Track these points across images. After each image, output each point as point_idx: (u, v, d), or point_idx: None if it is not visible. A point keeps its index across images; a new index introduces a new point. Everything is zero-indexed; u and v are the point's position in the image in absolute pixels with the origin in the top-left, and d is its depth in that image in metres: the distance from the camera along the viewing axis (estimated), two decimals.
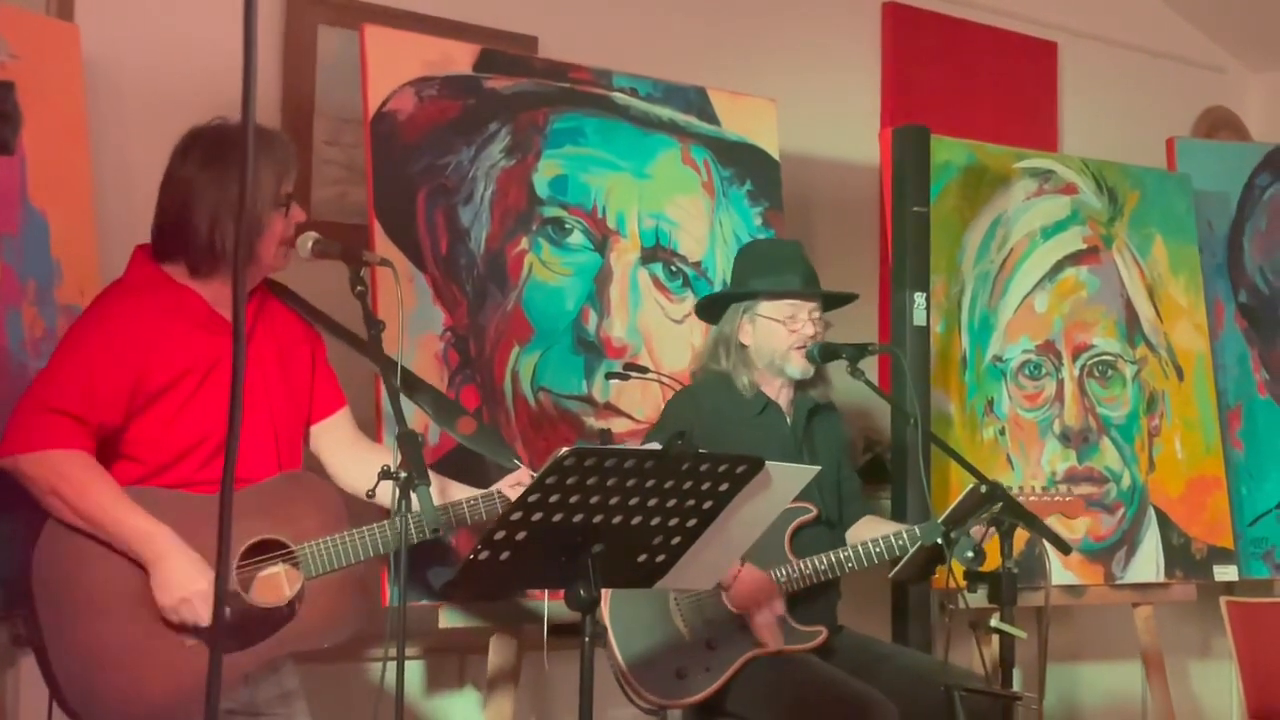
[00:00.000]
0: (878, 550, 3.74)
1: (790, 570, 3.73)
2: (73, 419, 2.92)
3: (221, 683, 2.93)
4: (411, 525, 3.01)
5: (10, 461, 2.92)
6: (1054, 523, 3.98)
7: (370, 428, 3.77)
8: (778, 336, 3.88)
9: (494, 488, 3.32)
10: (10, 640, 2.98)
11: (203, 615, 2.90)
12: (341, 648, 3.85)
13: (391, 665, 2.91)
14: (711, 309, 4.04)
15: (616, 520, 2.77)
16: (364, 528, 3.10)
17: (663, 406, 4.05)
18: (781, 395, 3.94)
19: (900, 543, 3.73)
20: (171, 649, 2.93)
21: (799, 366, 3.88)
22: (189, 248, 3.05)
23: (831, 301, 3.99)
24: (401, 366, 3.19)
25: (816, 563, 3.74)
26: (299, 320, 3.35)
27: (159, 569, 2.90)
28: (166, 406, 3.01)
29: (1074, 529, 4.89)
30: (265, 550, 3.05)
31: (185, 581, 2.89)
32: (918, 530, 3.72)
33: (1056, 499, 4.00)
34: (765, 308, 3.90)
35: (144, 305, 3.03)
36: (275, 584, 3.05)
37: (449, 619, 3.86)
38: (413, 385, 3.55)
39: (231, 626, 2.99)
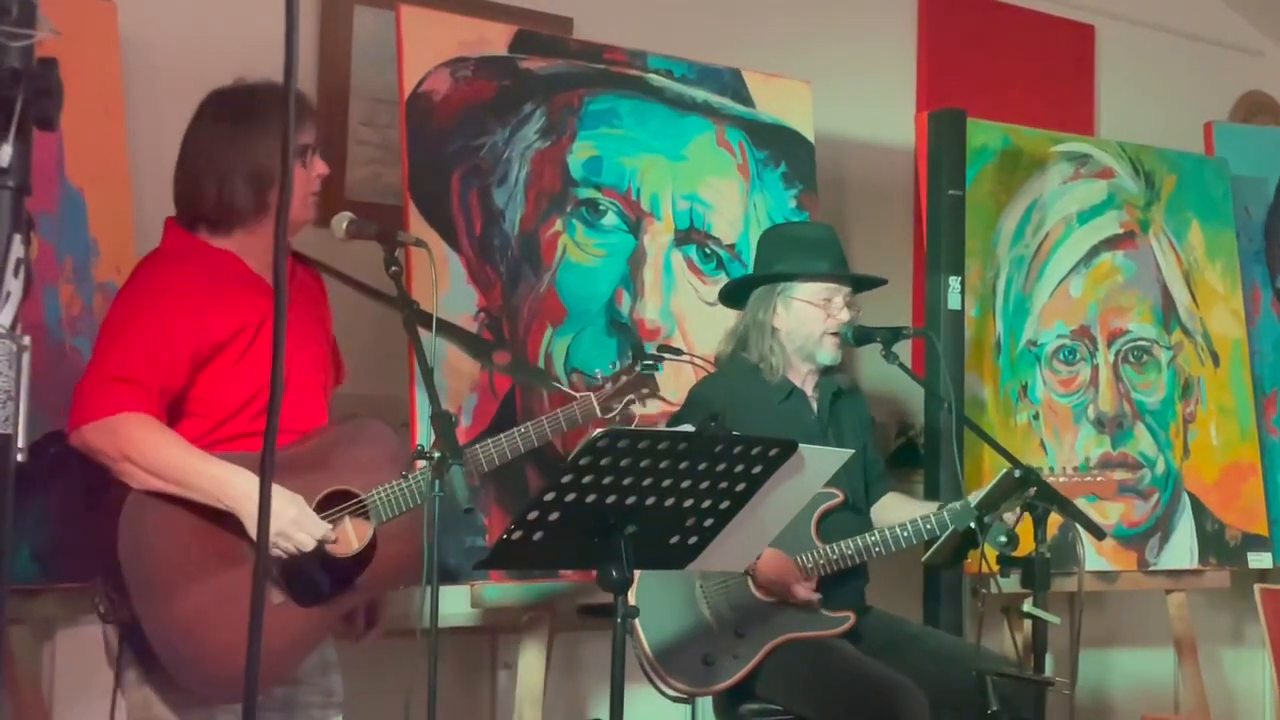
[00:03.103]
0: (905, 535, 3.73)
1: (817, 556, 3.73)
2: (133, 384, 2.93)
3: (307, 641, 2.99)
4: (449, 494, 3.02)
5: (77, 436, 2.94)
6: (1087, 506, 3.97)
7: (404, 405, 3.79)
8: (813, 320, 3.87)
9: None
10: (99, 617, 2.98)
11: (304, 542, 2.94)
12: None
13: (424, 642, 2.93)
14: (736, 294, 4.03)
15: (649, 502, 2.78)
16: (420, 472, 3.11)
17: (690, 388, 4.05)
18: (807, 382, 3.94)
19: (929, 527, 3.72)
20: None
21: (831, 353, 3.88)
22: (203, 206, 3.09)
23: (858, 285, 3.98)
24: (435, 317, 3.18)
25: (844, 548, 3.73)
26: (321, 289, 3.38)
27: (245, 510, 2.91)
28: (224, 363, 3.04)
29: (1107, 515, 4.88)
30: (337, 500, 3.08)
31: (275, 515, 2.91)
32: (945, 514, 3.72)
33: (1089, 479, 3.98)
34: (801, 291, 3.88)
35: (190, 270, 3.06)
36: (343, 536, 3.07)
37: (481, 598, 3.87)
38: (446, 330, 3.57)
39: (312, 581, 3.02)
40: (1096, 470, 4.15)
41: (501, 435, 3.27)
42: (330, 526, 2.99)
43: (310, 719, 3.20)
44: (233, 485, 2.92)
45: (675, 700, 3.71)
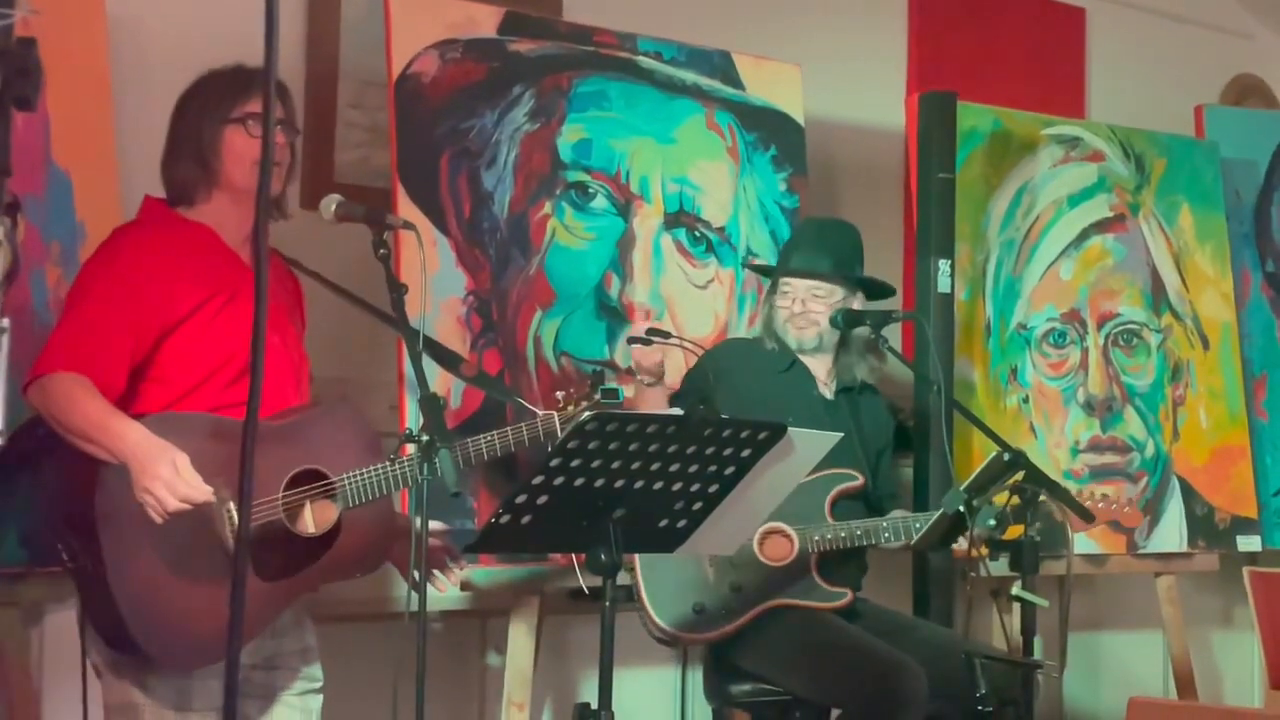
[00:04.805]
0: (917, 526, 3.75)
1: (825, 531, 3.75)
2: (83, 345, 2.91)
3: (261, 616, 2.98)
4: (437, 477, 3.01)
5: (26, 397, 2.91)
6: (1077, 491, 3.98)
7: (392, 389, 3.78)
8: (780, 308, 4.01)
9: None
10: (61, 564, 2.95)
11: (165, 501, 2.80)
12: (362, 609, 3.88)
13: (412, 626, 2.93)
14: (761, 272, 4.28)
15: (638, 485, 2.78)
16: (399, 461, 3.10)
17: (685, 371, 4.08)
18: (820, 364, 4.01)
19: (934, 517, 3.75)
20: (221, 579, 2.91)
21: (794, 337, 3.98)
22: (165, 185, 3.14)
23: (863, 286, 4.03)
24: (409, 326, 3.18)
25: (853, 527, 3.76)
26: (299, 291, 3.39)
27: (130, 466, 2.83)
28: (189, 330, 3.02)
29: (1096, 498, 4.87)
30: (308, 480, 3.06)
31: (140, 473, 2.82)
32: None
33: (1114, 509, 4.01)
34: (781, 280, 4.03)
35: (160, 236, 3.07)
36: (304, 517, 3.06)
37: (470, 582, 3.87)
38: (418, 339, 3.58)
39: (269, 555, 2.98)
40: (1123, 500, 4.14)
41: (467, 441, 3.25)
42: (210, 491, 2.85)
43: (289, 704, 3.18)
44: (124, 438, 2.84)
45: (660, 642, 3.75)
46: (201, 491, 2.83)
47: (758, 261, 4.39)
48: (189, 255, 3.06)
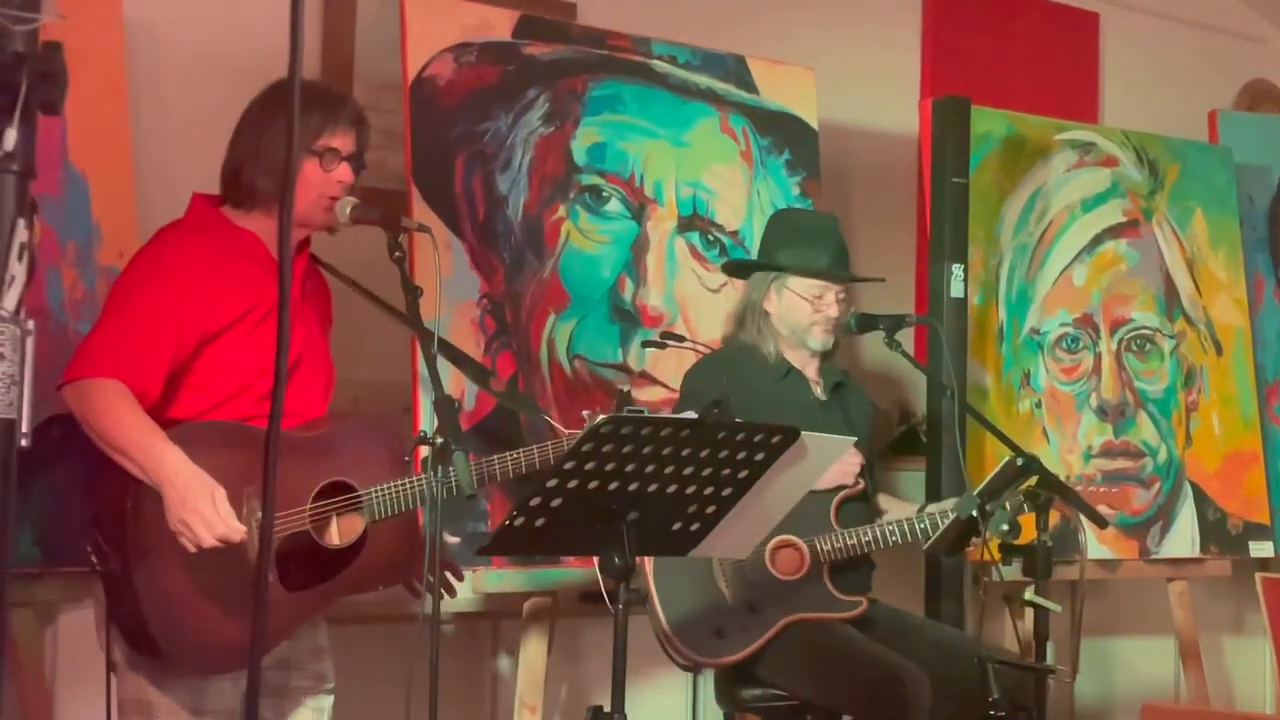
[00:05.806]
0: (922, 527, 3.75)
1: (834, 540, 3.75)
2: (126, 351, 2.91)
3: (282, 626, 2.99)
4: (449, 486, 3.02)
5: (61, 393, 2.93)
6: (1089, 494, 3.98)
7: (406, 392, 3.79)
8: (801, 312, 3.92)
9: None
10: (89, 565, 2.96)
11: (202, 538, 2.83)
12: (375, 610, 3.88)
13: (425, 628, 2.93)
14: (741, 270, 4.09)
15: (652, 488, 2.78)
16: (424, 475, 3.10)
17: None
18: (808, 365, 3.98)
19: (946, 522, 3.75)
20: (246, 588, 2.91)
21: (819, 340, 3.93)
22: (228, 186, 3.13)
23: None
24: (425, 328, 3.19)
25: (861, 534, 3.75)
26: (326, 288, 3.39)
27: (166, 492, 2.84)
28: (230, 340, 3.03)
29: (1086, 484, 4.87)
30: (337, 492, 3.07)
31: (179, 504, 2.83)
32: (951, 506, 3.73)
33: (1103, 490, 4.00)
34: (794, 282, 3.93)
35: (208, 243, 3.07)
36: (331, 529, 3.07)
37: (483, 584, 3.87)
38: (448, 352, 3.58)
39: (294, 566, 3.00)
40: (1113, 485, 4.13)
41: (494, 458, 3.25)
42: (244, 530, 2.88)
43: (301, 704, 3.20)
44: (162, 463, 2.85)
45: (684, 668, 3.74)
46: (237, 531, 2.87)
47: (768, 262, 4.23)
48: (233, 264, 3.07)
